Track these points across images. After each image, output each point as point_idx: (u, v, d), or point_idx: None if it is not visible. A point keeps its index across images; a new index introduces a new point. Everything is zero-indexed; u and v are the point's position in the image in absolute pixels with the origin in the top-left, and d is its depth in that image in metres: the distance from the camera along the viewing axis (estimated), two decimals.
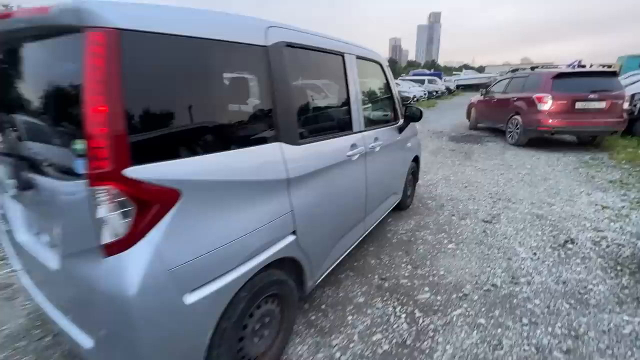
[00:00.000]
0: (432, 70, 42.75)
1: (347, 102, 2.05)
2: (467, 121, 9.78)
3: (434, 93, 21.48)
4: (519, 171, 5.06)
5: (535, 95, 6.36)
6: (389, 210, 3.02)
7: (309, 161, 1.60)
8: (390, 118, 2.80)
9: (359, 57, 2.20)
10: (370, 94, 2.61)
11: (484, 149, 6.71)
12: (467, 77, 35.69)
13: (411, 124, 3.00)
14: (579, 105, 6.04)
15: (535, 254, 2.64)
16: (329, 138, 1.82)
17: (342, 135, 1.95)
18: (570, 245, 2.77)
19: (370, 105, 2.53)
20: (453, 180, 4.65)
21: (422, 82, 21.88)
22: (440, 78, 27.92)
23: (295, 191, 1.52)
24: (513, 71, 7.97)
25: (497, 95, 8.03)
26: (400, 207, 3.46)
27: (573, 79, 6.28)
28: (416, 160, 3.60)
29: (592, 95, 5.98)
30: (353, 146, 2.02)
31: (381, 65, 2.64)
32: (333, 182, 1.82)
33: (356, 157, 2.05)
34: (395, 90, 2.84)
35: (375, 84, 2.68)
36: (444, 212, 3.50)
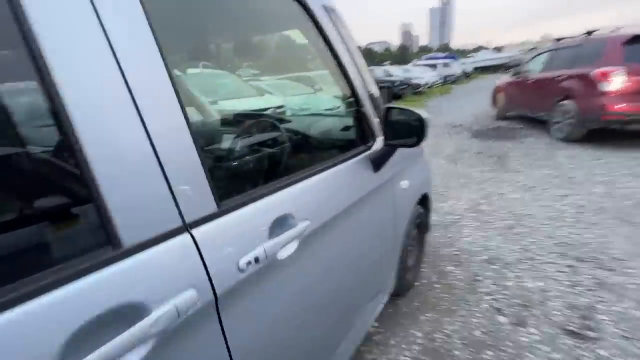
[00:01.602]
0: (446, 54, 39.98)
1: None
2: (492, 109, 7.86)
3: (449, 77, 19.29)
4: (590, 189, 3.27)
5: (596, 71, 4.47)
6: (371, 322, 1.41)
7: None
8: (350, 140, 1.17)
9: None
10: (269, 88, 1.00)
11: (522, 149, 4.89)
12: (485, 57, 33.10)
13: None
14: None
15: None
16: None
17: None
18: None
19: (267, 122, 0.93)
20: (487, 212, 2.94)
21: (435, 66, 19.71)
22: (456, 60, 25.60)
23: None
24: (558, 40, 6.01)
25: (534, 75, 6.12)
26: (398, 293, 1.84)
27: None
28: (424, 200, 1.96)
29: None
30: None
31: (306, 7, 0.99)
32: None
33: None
34: (359, 75, 1.20)
35: (289, 62, 1.18)
36: (481, 302, 1.84)
